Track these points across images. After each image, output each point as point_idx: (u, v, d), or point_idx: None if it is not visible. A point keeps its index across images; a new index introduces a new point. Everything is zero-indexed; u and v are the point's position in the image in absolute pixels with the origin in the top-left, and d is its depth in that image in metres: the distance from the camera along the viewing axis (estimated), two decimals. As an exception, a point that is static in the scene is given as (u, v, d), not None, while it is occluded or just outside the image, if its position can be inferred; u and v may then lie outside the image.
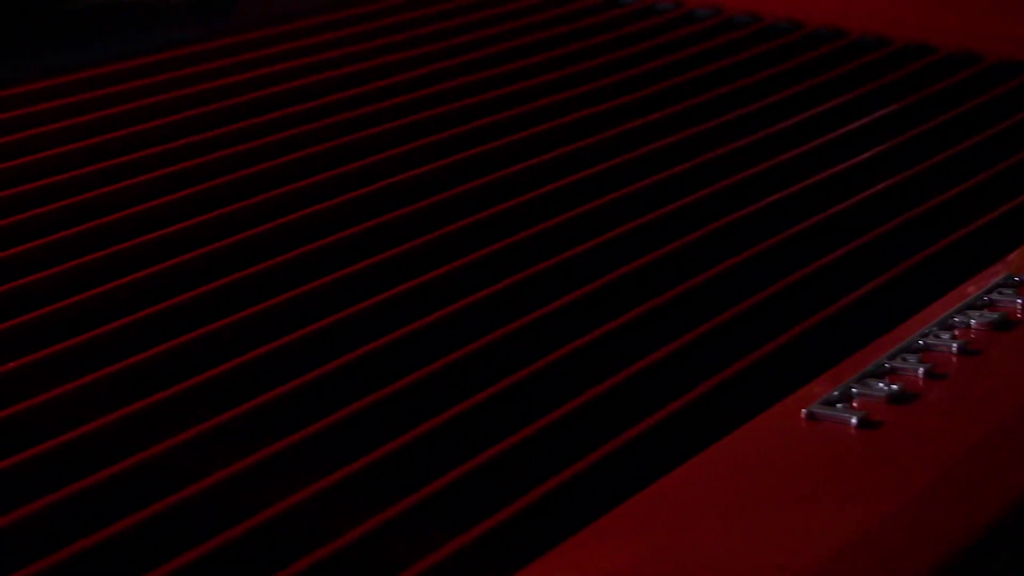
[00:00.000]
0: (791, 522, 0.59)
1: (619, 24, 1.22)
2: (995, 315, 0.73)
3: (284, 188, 0.90)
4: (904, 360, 0.68)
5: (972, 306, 0.74)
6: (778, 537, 0.58)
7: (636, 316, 0.74)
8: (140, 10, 1.27)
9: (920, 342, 0.70)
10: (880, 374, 0.67)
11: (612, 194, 0.89)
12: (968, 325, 0.72)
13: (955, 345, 0.70)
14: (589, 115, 1.02)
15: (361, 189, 0.90)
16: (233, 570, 0.57)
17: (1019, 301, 0.75)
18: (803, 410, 0.64)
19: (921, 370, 0.68)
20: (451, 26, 1.20)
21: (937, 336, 0.71)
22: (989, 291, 0.76)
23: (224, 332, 0.74)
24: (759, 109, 1.04)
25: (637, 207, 0.88)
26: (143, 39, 1.21)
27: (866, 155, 0.96)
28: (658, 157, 0.96)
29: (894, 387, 0.66)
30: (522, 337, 0.73)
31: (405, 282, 0.78)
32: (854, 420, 0.64)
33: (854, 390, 0.66)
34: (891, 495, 0.60)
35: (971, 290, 0.76)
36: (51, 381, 0.70)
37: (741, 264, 0.80)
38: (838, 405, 0.65)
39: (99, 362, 0.71)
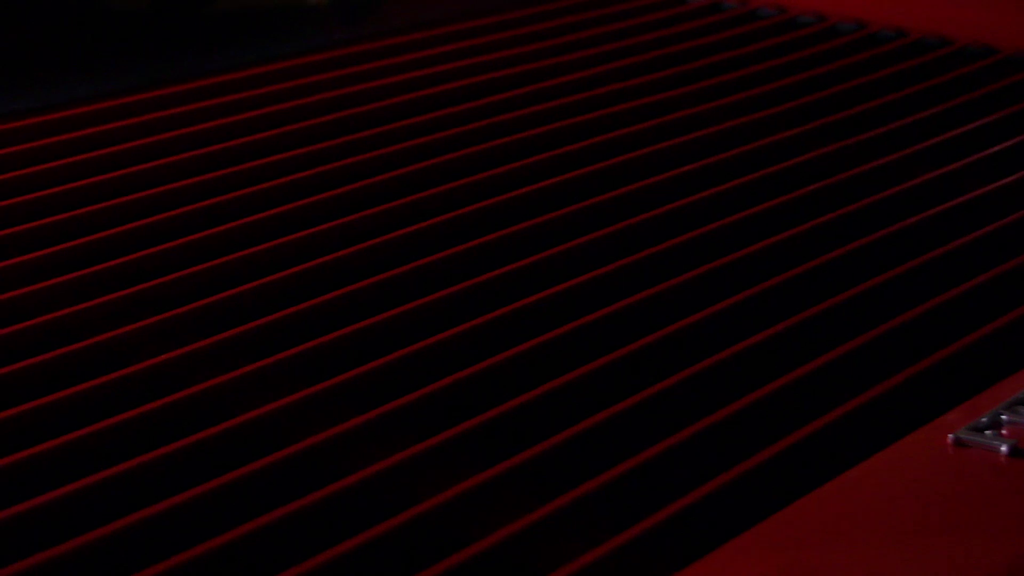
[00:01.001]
0: (936, 552, 0.57)
1: (759, 37, 1.21)
2: None
3: (421, 194, 0.90)
4: (1056, 388, 0.67)
5: None
6: (922, 567, 0.56)
7: (779, 332, 0.74)
8: (284, 14, 1.29)
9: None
10: (1030, 402, 0.66)
11: (756, 207, 0.89)
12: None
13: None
14: (735, 126, 1.01)
15: (511, 192, 0.90)
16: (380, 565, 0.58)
17: None
18: (950, 436, 0.63)
19: (1074, 398, 0.66)
20: (593, 35, 1.20)
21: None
22: None
23: (376, 329, 0.74)
24: (905, 126, 1.02)
25: (777, 222, 0.87)
26: (287, 43, 1.22)
27: (1011, 178, 0.94)
28: (799, 172, 0.95)
29: (1045, 415, 0.64)
30: (673, 344, 0.73)
31: (579, 276, 0.79)
32: (1004, 448, 0.62)
33: (1004, 417, 0.64)
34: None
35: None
36: (215, 368, 0.72)
37: (879, 286, 0.79)
38: (987, 432, 0.63)
39: (258, 353, 0.73)
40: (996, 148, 0.97)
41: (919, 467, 0.63)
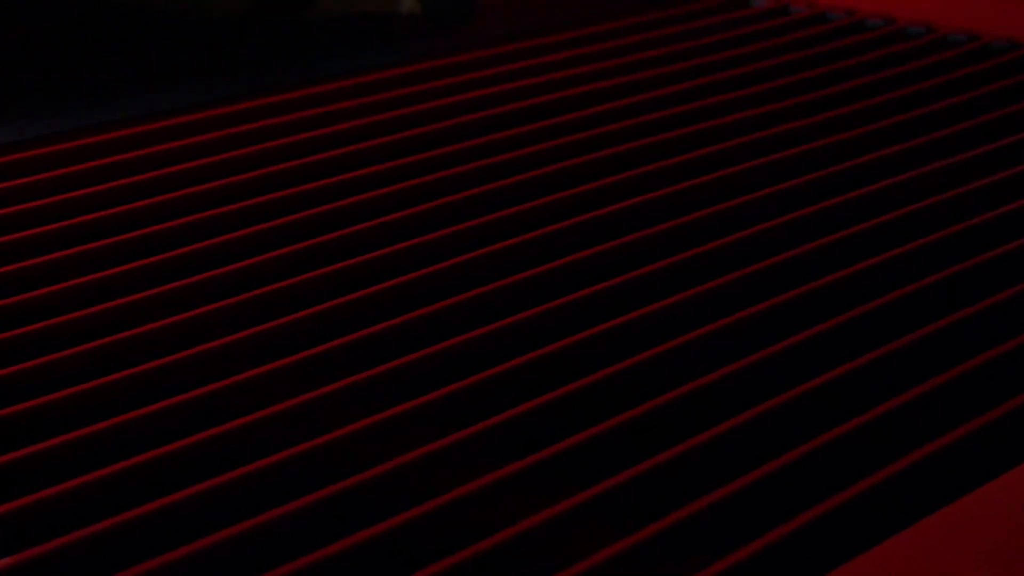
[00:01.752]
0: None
1: (864, 50, 1.21)
2: None
3: (510, 210, 0.90)
4: None
5: None
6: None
7: (910, 342, 0.74)
8: (380, 23, 1.28)
9: None
10: None
11: (876, 219, 0.89)
12: None
13: None
14: (842, 140, 1.02)
15: (612, 205, 0.91)
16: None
17: None
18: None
19: None
20: (693, 46, 1.20)
21: None
22: None
23: (496, 335, 0.76)
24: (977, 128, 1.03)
25: (905, 232, 0.88)
26: (382, 52, 1.22)
27: None
28: (918, 185, 0.95)
29: None
30: (815, 346, 0.73)
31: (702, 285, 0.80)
32: None
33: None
34: None
35: None
36: (320, 379, 0.73)
37: (1014, 298, 0.79)
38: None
39: (367, 362, 0.75)
40: None
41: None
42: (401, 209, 0.92)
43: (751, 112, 1.06)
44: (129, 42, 1.20)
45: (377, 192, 0.92)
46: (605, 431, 0.66)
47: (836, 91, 1.10)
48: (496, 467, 0.65)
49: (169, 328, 0.77)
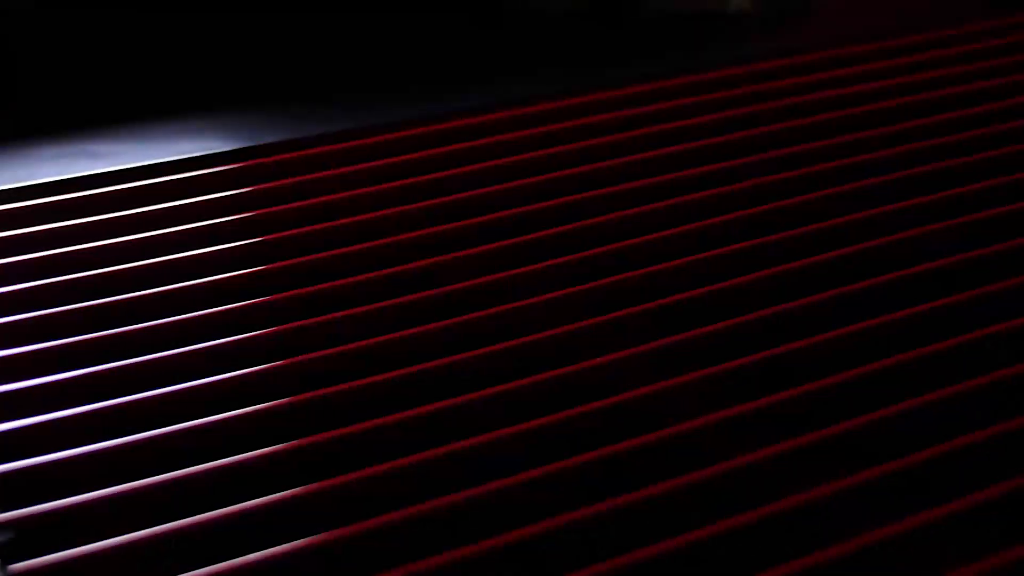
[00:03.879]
0: None
1: None
2: None
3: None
4: None
5: None
6: None
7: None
8: (712, 22, 1.27)
9: None
10: None
11: None
12: None
13: None
14: None
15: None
16: None
17: None
18: None
19: None
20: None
21: None
22: None
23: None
24: None
25: None
26: (713, 52, 1.21)
27: None
28: None
29: None
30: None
31: None
32: None
33: None
34: None
35: None
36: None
37: None
38: None
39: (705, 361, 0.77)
40: None
41: None
42: (755, 205, 0.92)
43: None
44: (471, 35, 1.22)
45: (716, 191, 0.93)
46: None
47: None
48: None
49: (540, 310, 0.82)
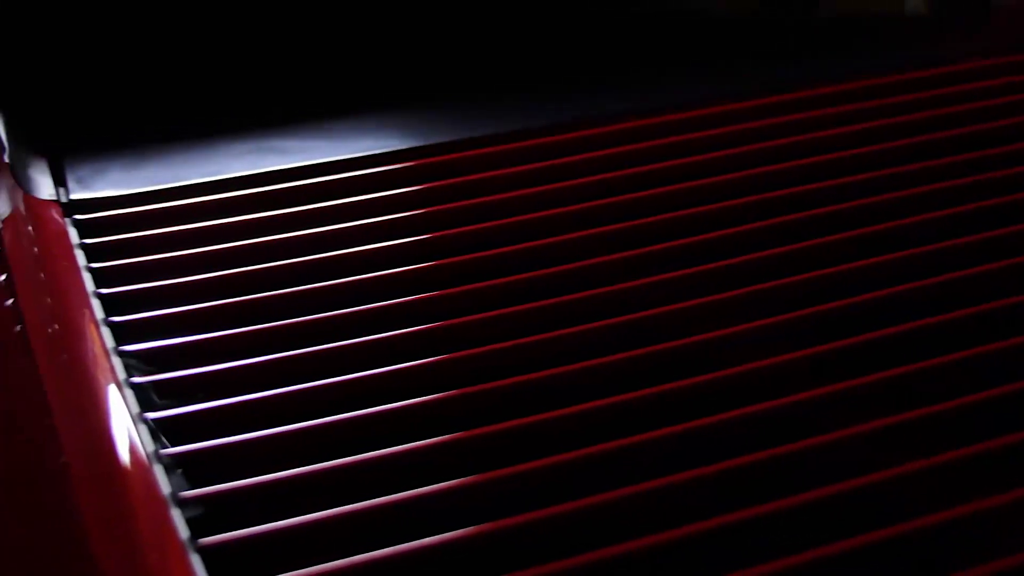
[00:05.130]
0: None
1: None
2: None
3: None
4: None
5: None
6: None
7: None
8: (886, 24, 1.26)
9: None
10: None
11: None
12: None
13: None
14: None
15: None
16: None
17: None
18: None
19: None
20: None
21: None
22: None
23: None
24: None
25: None
26: (897, 54, 1.19)
27: None
28: None
29: None
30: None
31: None
32: None
33: None
34: None
35: None
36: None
37: None
38: None
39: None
40: None
41: None
42: (941, 208, 0.92)
43: None
44: (638, 37, 1.22)
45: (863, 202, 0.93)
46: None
47: None
48: None
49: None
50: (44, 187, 1.02)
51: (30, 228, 0.93)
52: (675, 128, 1.07)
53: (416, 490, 0.71)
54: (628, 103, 1.11)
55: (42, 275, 0.88)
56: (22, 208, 0.95)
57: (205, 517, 0.73)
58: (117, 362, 0.84)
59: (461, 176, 1.02)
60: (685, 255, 0.91)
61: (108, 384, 0.81)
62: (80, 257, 0.94)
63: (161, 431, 0.79)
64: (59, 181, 1.04)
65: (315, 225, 0.98)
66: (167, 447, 0.78)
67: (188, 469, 0.77)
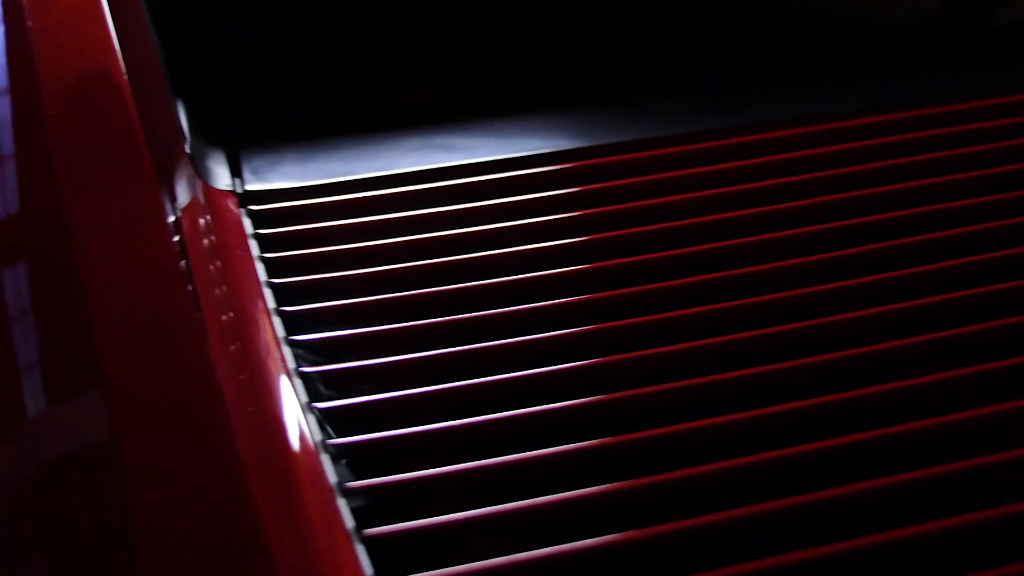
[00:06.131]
0: None
1: None
2: None
3: None
4: None
5: None
6: None
7: None
8: None
9: None
10: None
11: None
12: None
13: None
14: None
15: None
16: None
17: None
18: None
19: None
20: None
21: None
22: None
23: None
24: None
25: None
26: None
27: None
28: None
29: None
30: None
31: None
32: None
33: None
34: None
35: None
36: None
37: None
38: None
39: None
40: None
41: None
42: None
43: None
44: (805, 42, 1.23)
45: None
46: None
47: None
48: None
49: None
50: (221, 177, 1.05)
51: (208, 217, 0.96)
52: (841, 136, 1.06)
53: (579, 491, 0.72)
54: (796, 110, 1.10)
55: (218, 263, 0.91)
56: (201, 197, 0.98)
57: (369, 508, 0.75)
58: (287, 351, 0.86)
59: (629, 178, 1.03)
60: (866, 262, 0.91)
61: (279, 373, 0.83)
62: (254, 247, 0.96)
63: (327, 421, 0.81)
64: (235, 172, 1.07)
65: (480, 222, 0.99)
66: (332, 437, 0.80)
67: (352, 460, 0.79)
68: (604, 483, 0.74)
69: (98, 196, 0.88)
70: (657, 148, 1.07)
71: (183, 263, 0.86)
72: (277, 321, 0.89)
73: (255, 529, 0.68)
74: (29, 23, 0.97)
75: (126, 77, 0.94)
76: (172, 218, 0.90)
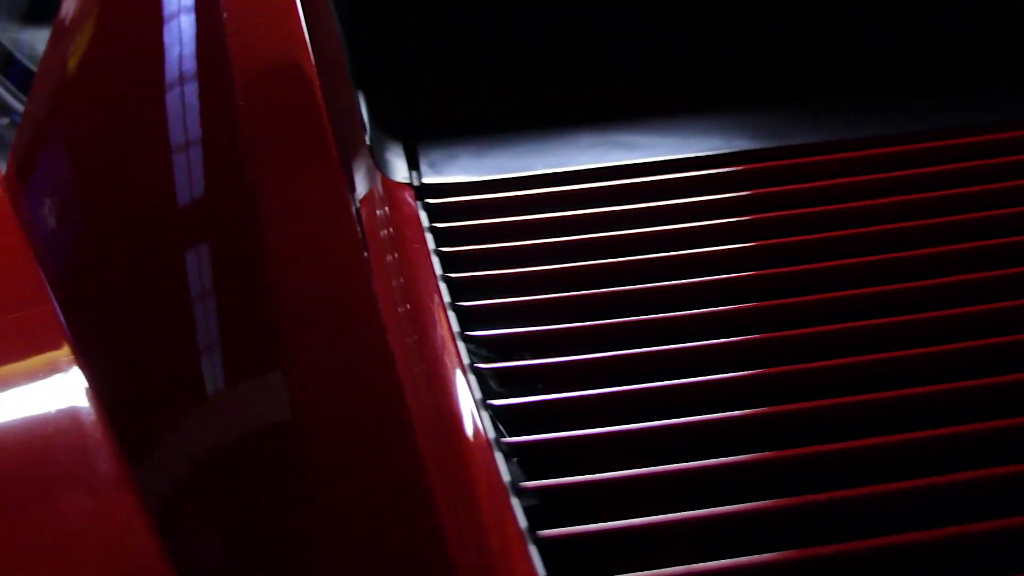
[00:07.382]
0: None
1: None
2: None
3: None
4: None
5: None
6: None
7: None
8: None
9: None
10: None
11: None
12: None
13: None
14: None
15: None
16: None
17: None
18: None
19: None
20: None
21: None
22: None
23: None
24: None
25: None
26: None
27: None
28: None
29: None
30: None
31: None
32: None
33: None
34: None
35: None
36: None
37: None
38: None
39: None
40: None
41: None
42: None
43: None
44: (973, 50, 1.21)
45: None
46: None
47: None
48: None
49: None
50: (399, 170, 1.05)
51: (386, 209, 0.96)
52: (1007, 148, 1.03)
53: (755, 503, 0.71)
54: (969, 118, 1.07)
55: (396, 255, 0.91)
56: (380, 189, 0.98)
57: (542, 508, 0.74)
58: (462, 347, 0.85)
59: (810, 182, 1.01)
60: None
61: (455, 368, 0.83)
62: (430, 240, 0.96)
63: (500, 419, 0.81)
64: (413, 164, 1.07)
65: (659, 223, 0.98)
66: (505, 435, 0.79)
67: (525, 459, 0.78)
68: (803, 494, 0.72)
69: (285, 184, 0.88)
70: (840, 152, 1.04)
71: (365, 254, 0.87)
72: (452, 316, 0.89)
73: (434, 524, 0.68)
74: (224, 15, 0.98)
75: (316, 70, 0.95)
76: (354, 208, 0.91)
